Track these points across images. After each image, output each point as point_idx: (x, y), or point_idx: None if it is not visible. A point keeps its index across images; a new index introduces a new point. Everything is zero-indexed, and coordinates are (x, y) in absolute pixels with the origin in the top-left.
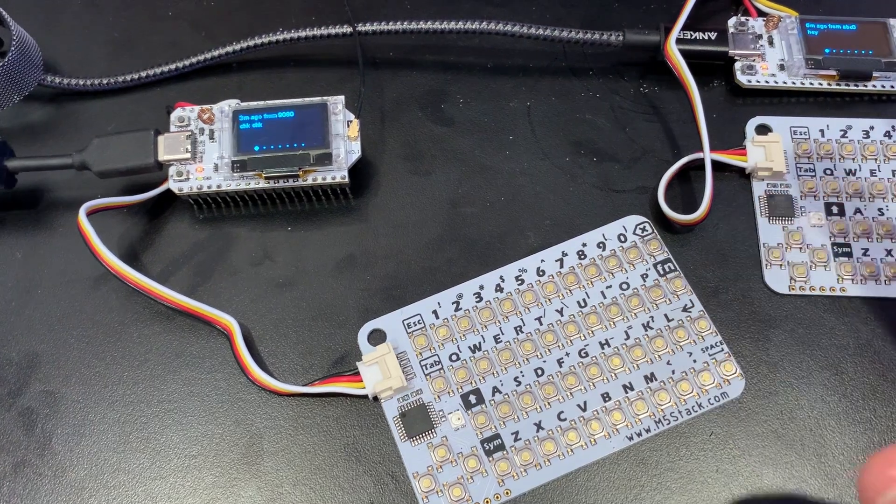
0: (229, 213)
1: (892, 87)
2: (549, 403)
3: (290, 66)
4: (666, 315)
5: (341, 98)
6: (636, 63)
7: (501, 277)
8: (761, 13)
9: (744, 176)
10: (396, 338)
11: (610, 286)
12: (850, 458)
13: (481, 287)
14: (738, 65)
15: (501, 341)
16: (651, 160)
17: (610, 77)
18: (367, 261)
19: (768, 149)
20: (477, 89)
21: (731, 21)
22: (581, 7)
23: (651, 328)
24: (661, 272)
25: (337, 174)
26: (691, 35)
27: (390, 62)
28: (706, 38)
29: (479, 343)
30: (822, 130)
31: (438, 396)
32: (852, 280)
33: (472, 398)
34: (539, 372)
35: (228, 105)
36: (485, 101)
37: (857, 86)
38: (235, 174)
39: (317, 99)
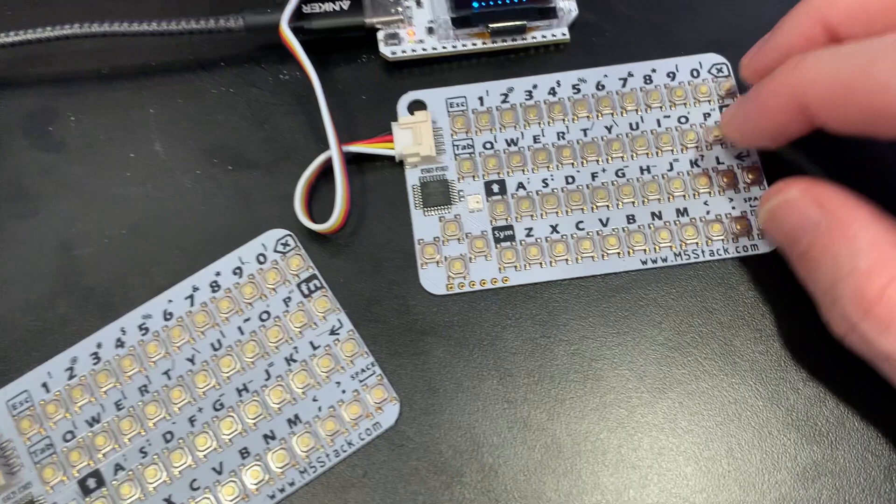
0: None
1: (553, 35)
2: (179, 473)
3: None
4: (312, 343)
5: None
6: (273, 46)
7: (123, 329)
8: None
9: (397, 164)
10: None
11: (248, 319)
12: (520, 468)
13: (99, 345)
14: (380, 35)
15: (123, 407)
16: (296, 160)
17: (245, 66)
18: None
19: (416, 130)
20: (90, 102)
21: None
22: None
23: (294, 361)
24: (306, 292)
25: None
26: (319, 7)
27: None
28: (336, 8)
29: (98, 414)
30: (480, 98)
31: (52, 488)
32: (515, 267)
33: (91, 482)
34: (168, 437)
35: None
36: (100, 114)
37: (514, 40)
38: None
39: None
